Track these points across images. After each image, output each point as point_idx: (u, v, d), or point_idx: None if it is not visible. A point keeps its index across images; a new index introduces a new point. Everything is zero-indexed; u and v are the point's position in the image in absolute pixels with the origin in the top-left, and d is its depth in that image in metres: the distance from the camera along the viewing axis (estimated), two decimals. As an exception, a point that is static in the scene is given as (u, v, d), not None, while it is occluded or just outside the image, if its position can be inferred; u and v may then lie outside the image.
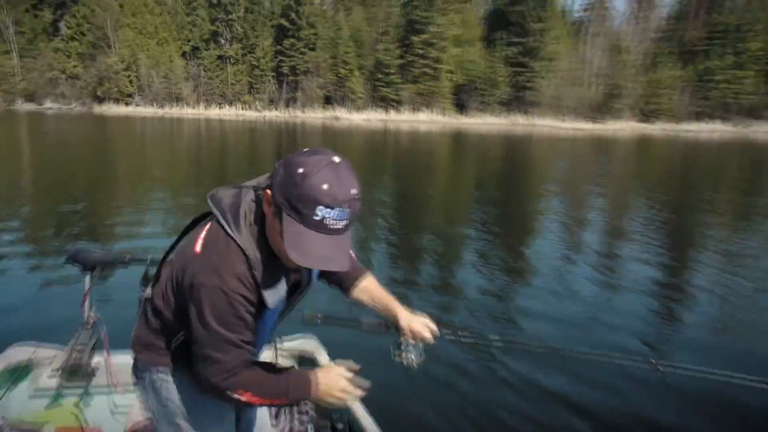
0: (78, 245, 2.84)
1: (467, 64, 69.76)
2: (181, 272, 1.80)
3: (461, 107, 69.47)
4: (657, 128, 64.24)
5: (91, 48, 63.27)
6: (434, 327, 2.36)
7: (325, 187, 1.58)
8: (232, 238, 1.73)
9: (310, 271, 2.01)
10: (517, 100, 68.61)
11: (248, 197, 1.81)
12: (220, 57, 68.35)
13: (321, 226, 1.62)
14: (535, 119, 66.54)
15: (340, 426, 2.93)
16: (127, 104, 62.63)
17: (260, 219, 1.78)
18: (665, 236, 12.68)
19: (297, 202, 1.60)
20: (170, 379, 2.00)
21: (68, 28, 64.35)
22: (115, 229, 10.44)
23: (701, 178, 25.37)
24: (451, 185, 21.00)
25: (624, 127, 64.60)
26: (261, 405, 1.95)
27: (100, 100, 62.25)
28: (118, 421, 3.25)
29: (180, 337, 1.91)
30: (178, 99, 64.64)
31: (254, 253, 1.74)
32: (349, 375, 1.94)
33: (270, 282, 1.79)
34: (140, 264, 2.91)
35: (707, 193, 20.20)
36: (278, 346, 3.14)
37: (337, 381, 1.92)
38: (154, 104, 63.13)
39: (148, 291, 2.01)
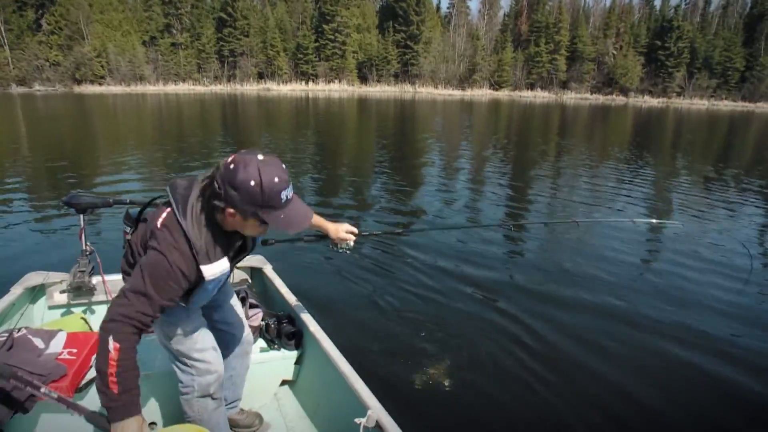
0: (71, 192, 2.70)
1: (366, 46, 68.60)
2: (147, 235, 1.79)
3: (363, 79, 68.63)
4: (503, 94, 65.91)
5: (68, 40, 58.27)
6: (354, 230, 2.41)
7: (276, 180, 1.60)
8: (181, 227, 1.69)
9: (254, 239, 1.98)
10: (405, 73, 68.41)
11: (195, 192, 1.74)
12: (173, 44, 64.38)
13: (288, 202, 1.66)
14: (418, 87, 66.56)
15: (284, 320, 2.78)
16: (100, 84, 58.35)
17: (206, 210, 1.71)
18: (507, 161, 13.83)
19: (268, 202, 1.61)
20: None
21: (48, 24, 59.02)
22: (100, 179, 9.77)
23: (530, 125, 27.07)
24: (358, 135, 20.86)
25: (481, 93, 65.72)
26: (104, 368, 1.58)
27: (79, 82, 57.67)
28: None
29: None
30: (141, 78, 60.68)
31: (196, 237, 1.69)
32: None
33: (209, 259, 1.74)
34: (122, 205, 2.82)
35: (534, 133, 21.47)
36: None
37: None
38: (123, 83, 59.06)
39: (129, 235, 1.95)
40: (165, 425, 2.46)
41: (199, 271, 1.72)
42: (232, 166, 1.60)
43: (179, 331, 1.99)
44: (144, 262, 1.68)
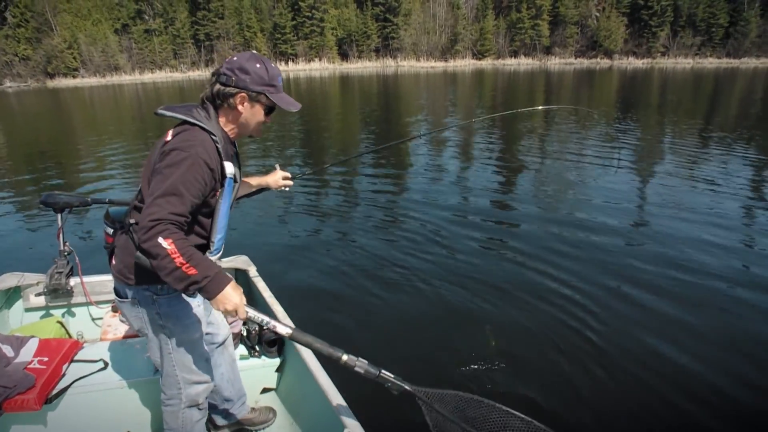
0: (47, 192, 2.71)
1: (345, 22, 67.59)
2: (157, 157, 1.75)
3: (344, 56, 67.80)
4: (487, 63, 65.24)
5: (36, 32, 56.57)
6: (288, 174, 2.51)
7: (273, 65, 1.87)
8: (197, 125, 1.77)
9: (239, 171, 2.04)
10: (385, 48, 67.71)
11: (193, 108, 1.84)
12: (146, 31, 63.04)
13: (282, 88, 1.90)
14: (400, 61, 65.93)
15: (266, 326, 2.82)
16: (74, 77, 57.00)
17: (213, 117, 1.85)
18: (498, 134, 13.64)
19: (271, 81, 1.85)
20: (158, 293, 1.89)
21: (13, 17, 56.99)
22: (78, 177, 9.59)
23: (515, 93, 26.72)
24: (342, 113, 20.74)
25: (464, 64, 65.15)
26: (173, 266, 1.57)
27: (51, 76, 56.23)
28: (96, 326, 3.13)
29: None
30: (116, 68, 59.41)
31: (215, 130, 1.80)
32: (242, 310, 1.72)
33: (228, 156, 1.84)
34: (101, 204, 2.87)
35: (520, 102, 21.32)
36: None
37: (237, 297, 1.70)
38: (97, 75, 57.82)
39: (131, 218, 1.85)
40: None
41: (222, 168, 1.80)
42: (235, 58, 1.84)
43: (181, 339, 1.98)
44: (166, 164, 1.68)
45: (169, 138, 1.77)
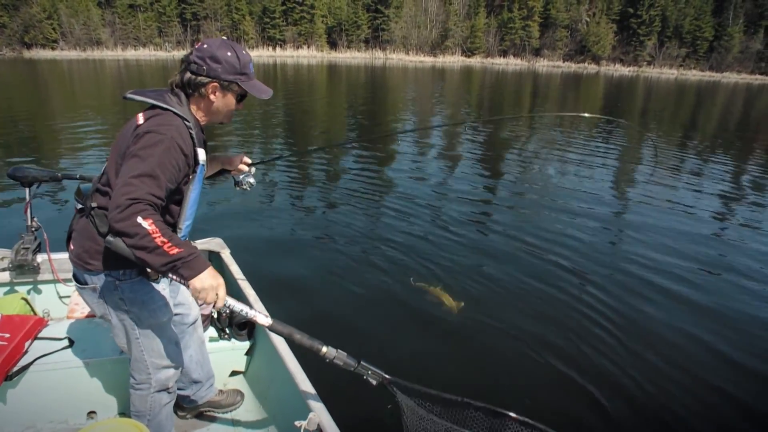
0: (15, 165, 2.59)
1: (336, 10, 67.20)
2: (129, 140, 1.69)
3: (333, 45, 67.42)
4: (476, 61, 65.51)
5: (13, -1, 54.68)
6: (249, 160, 2.39)
7: (244, 52, 1.85)
8: (170, 110, 1.75)
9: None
10: (375, 39, 67.46)
11: (164, 93, 1.82)
12: (131, 6, 61.71)
13: (253, 75, 1.89)
14: (389, 54, 65.83)
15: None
16: (53, 49, 55.37)
17: (185, 103, 1.82)
18: (484, 129, 13.61)
19: (242, 70, 1.82)
20: (120, 279, 1.83)
21: (-12, -19, 54.74)
22: (50, 151, 9.38)
23: (503, 93, 26.85)
24: (329, 102, 20.67)
25: (453, 60, 65.31)
26: (154, 245, 1.52)
27: (29, 46, 54.46)
28: (63, 304, 3.03)
29: None
30: (98, 43, 57.98)
31: (187, 115, 1.78)
32: (223, 291, 1.67)
33: (200, 143, 1.83)
34: (72, 180, 2.79)
35: (507, 102, 21.46)
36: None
37: (216, 283, 1.64)
38: (77, 48, 56.31)
39: (93, 201, 1.79)
40: (104, 416, 2.41)
41: (195, 154, 1.78)
42: (206, 45, 1.80)
43: (148, 323, 1.94)
44: (141, 147, 1.63)
45: (141, 121, 1.73)
